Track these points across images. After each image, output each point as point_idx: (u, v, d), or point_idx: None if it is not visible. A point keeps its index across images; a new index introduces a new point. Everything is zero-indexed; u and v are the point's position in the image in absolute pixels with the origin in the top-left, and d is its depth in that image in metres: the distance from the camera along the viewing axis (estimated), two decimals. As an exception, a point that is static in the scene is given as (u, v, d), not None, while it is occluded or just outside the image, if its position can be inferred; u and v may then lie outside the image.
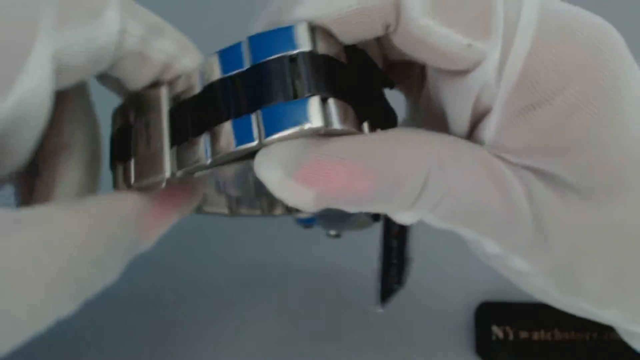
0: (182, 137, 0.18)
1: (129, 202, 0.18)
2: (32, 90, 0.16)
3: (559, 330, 0.28)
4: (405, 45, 0.17)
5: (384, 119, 0.18)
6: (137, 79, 0.19)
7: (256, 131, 0.16)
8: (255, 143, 0.16)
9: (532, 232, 0.17)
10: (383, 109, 0.19)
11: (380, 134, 0.17)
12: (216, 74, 0.17)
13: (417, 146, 0.17)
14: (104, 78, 0.20)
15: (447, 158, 0.17)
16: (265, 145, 0.16)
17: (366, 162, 0.16)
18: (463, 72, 0.18)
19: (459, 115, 0.18)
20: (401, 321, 0.29)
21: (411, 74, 0.22)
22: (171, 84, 0.19)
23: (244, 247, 0.31)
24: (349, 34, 0.17)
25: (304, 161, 0.16)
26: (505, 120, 0.17)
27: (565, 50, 0.16)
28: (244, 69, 0.17)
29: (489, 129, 0.17)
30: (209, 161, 0.17)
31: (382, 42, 0.20)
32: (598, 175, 0.17)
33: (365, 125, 0.17)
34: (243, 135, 0.16)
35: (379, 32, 0.17)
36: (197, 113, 0.18)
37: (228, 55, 0.17)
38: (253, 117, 0.16)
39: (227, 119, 0.17)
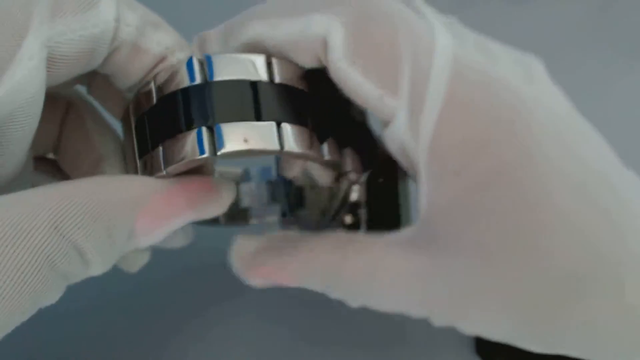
0: (144, 149, 0.18)
1: (125, 187, 0.17)
2: (22, 80, 0.16)
3: (558, 330, 0.28)
4: (337, 81, 0.18)
5: (357, 141, 0.20)
6: (130, 73, 0.19)
7: (208, 145, 0.17)
8: (206, 155, 0.17)
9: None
10: (354, 131, 0.20)
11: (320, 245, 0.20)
12: (170, 86, 0.18)
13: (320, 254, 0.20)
14: (94, 82, 0.20)
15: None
16: (215, 158, 0.17)
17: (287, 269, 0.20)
18: (384, 124, 0.18)
19: (397, 156, 0.19)
20: (401, 321, 0.29)
21: None
22: (136, 101, 0.19)
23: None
24: (291, 57, 0.19)
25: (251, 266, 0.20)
26: (430, 181, 0.17)
27: (469, 127, 0.17)
28: (198, 82, 0.17)
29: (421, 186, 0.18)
30: (164, 172, 0.18)
31: None
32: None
33: (325, 147, 0.18)
34: (198, 147, 0.17)
35: (314, 63, 0.18)
36: (154, 125, 0.18)
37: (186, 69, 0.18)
38: (205, 130, 0.17)
39: (180, 131, 0.17)
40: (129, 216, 0.17)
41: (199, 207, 0.18)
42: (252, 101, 0.17)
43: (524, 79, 0.18)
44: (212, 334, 0.29)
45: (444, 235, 0.18)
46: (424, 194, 0.18)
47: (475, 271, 0.18)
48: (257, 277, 0.20)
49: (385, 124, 0.18)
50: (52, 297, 0.16)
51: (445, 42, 0.17)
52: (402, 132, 0.17)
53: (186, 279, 0.30)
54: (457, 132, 0.17)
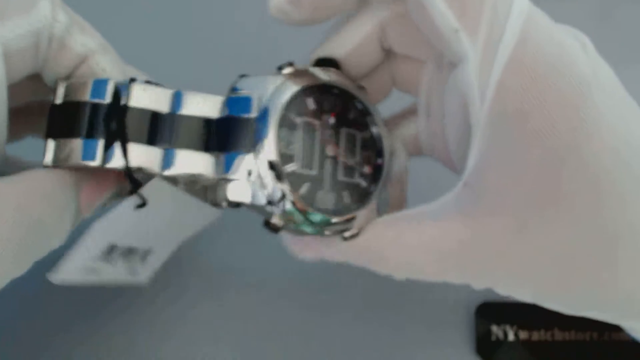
0: (56, 132, 0.21)
1: (67, 173, 0.20)
2: None
3: (559, 330, 0.28)
4: (414, 11, 0.19)
5: None
6: (55, 67, 0.21)
7: (100, 154, 0.20)
8: (96, 163, 0.20)
9: None
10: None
11: None
12: (86, 95, 0.21)
13: None
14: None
15: None
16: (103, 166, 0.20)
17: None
18: (452, 66, 0.19)
19: (453, 114, 0.20)
20: (401, 321, 0.29)
21: (413, 73, 0.23)
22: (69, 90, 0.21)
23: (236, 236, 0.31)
24: None
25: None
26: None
27: (532, 80, 0.17)
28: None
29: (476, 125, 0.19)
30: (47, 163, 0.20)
31: (392, 32, 0.22)
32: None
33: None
34: (88, 154, 0.20)
35: None
36: (66, 119, 0.21)
37: (98, 87, 0.21)
38: (100, 142, 0.20)
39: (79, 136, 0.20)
40: (75, 195, 0.20)
41: (118, 185, 0.22)
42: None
43: (581, 50, 0.19)
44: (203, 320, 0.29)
45: (488, 193, 0.19)
46: (478, 144, 0.18)
47: (514, 231, 0.18)
48: (307, 252, 0.22)
49: (453, 64, 0.19)
50: (19, 272, 0.19)
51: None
52: (471, 71, 0.18)
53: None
54: (522, 80, 0.17)
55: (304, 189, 0.21)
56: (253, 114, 0.21)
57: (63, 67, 0.21)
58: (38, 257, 0.19)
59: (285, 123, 0.21)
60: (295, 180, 0.21)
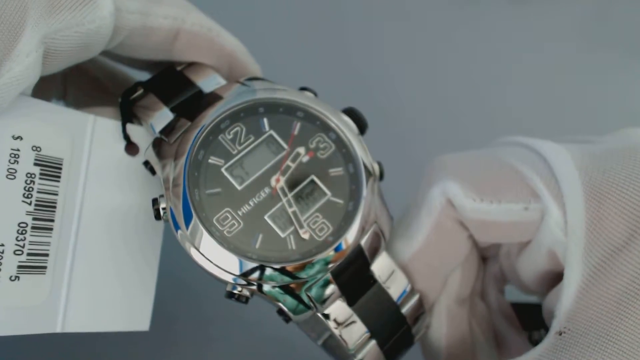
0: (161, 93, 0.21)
1: None
2: (19, 75, 0.16)
3: (559, 330, 0.28)
4: (477, 232, 0.20)
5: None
6: (149, 49, 0.19)
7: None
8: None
9: None
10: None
11: None
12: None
13: None
14: (118, 58, 0.21)
15: None
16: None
17: None
18: (531, 234, 0.19)
19: (532, 279, 0.21)
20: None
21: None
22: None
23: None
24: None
25: None
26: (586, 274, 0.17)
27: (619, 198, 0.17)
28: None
29: (569, 284, 0.17)
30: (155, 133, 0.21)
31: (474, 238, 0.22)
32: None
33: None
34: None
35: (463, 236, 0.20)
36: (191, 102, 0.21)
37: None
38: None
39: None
40: None
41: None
42: None
43: None
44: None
45: (595, 333, 0.17)
46: (574, 287, 0.17)
47: None
48: None
49: (523, 244, 0.19)
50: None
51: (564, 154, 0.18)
52: (554, 225, 0.18)
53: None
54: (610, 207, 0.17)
55: (211, 188, 0.18)
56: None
57: (157, 44, 0.19)
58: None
59: (246, 115, 0.19)
60: (210, 172, 0.18)
